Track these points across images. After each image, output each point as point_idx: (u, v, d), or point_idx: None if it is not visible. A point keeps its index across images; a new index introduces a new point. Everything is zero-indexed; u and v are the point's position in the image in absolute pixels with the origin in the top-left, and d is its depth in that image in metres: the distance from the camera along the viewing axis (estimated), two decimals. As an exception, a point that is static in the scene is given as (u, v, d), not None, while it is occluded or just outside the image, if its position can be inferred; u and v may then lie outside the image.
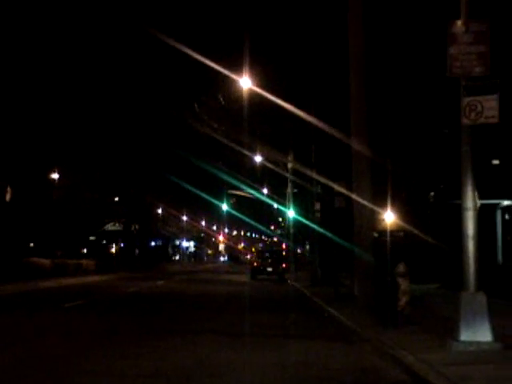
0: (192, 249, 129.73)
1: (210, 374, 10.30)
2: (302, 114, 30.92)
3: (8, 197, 46.19)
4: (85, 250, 66.51)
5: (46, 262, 45.88)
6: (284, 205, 57.87)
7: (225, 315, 19.97)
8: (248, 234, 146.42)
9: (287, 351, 12.93)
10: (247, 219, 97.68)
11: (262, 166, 50.26)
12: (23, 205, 48.41)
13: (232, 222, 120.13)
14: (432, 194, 30.41)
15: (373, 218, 21.33)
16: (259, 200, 68.12)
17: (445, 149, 24.82)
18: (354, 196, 20.42)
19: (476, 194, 12.42)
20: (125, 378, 9.88)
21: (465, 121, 12.27)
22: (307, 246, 64.43)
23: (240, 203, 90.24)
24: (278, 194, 59.98)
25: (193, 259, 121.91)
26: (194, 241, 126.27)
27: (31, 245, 53.89)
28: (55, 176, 53.16)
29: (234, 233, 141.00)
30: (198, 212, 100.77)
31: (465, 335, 11.89)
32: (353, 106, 20.85)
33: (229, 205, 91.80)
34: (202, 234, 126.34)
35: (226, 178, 59.31)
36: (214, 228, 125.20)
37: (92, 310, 21.35)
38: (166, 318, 19.22)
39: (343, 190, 26.50)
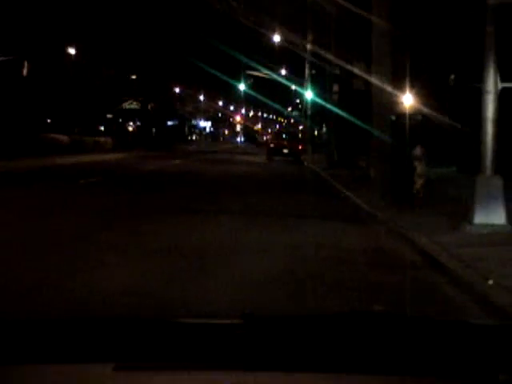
0: (209, 129, 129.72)
1: (224, 252, 10.40)
2: None
3: (25, 71, 45.83)
4: (102, 128, 66.56)
5: (64, 138, 46.03)
6: (302, 86, 57.22)
7: (241, 196, 20.00)
8: (265, 115, 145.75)
9: (302, 232, 12.98)
10: (264, 100, 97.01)
11: (281, 47, 49.42)
12: (40, 80, 48.08)
13: (249, 102, 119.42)
14: (452, 76, 29.82)
15: (392, 101, 21.00)
16: (277, 81, 67.30)
17: (468, 30, 24.16)
18: (373, 77, 20.03)
19: (498, 77, 12.17)
20: (141, 253, 10.01)
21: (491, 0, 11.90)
22: (324, 128, 64.19)
23: (258, 84, 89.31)
24: (297, 75, 59.20)
25: (209, 139, 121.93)
26: (211, 121, 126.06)
27: (48, 121, 53.88)
28: (72, 51, 52.53)
29: (251, 114, 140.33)
30: (216, 92, 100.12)
31: (479, 218, 11.92)
32: None
33: (246, 85, 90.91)
34: (220, 115, 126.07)
35: (244, 58, 58.47)
36: (232, 108, 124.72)
37: (109, 188, 21.49)
38: (182, 197, 19.26)
39: (362, 72, 26.03)
